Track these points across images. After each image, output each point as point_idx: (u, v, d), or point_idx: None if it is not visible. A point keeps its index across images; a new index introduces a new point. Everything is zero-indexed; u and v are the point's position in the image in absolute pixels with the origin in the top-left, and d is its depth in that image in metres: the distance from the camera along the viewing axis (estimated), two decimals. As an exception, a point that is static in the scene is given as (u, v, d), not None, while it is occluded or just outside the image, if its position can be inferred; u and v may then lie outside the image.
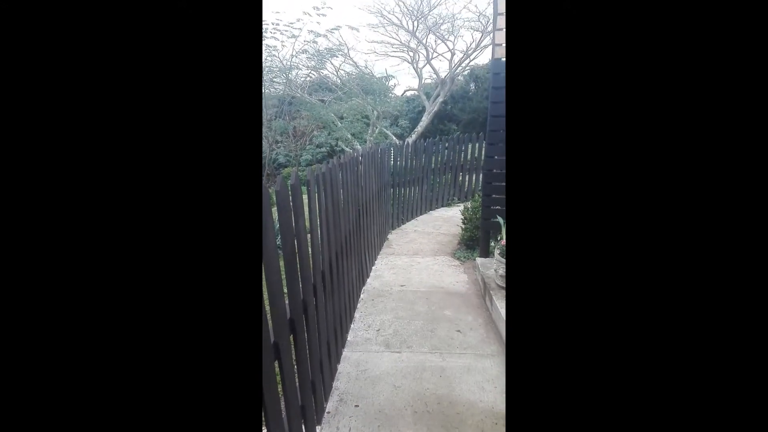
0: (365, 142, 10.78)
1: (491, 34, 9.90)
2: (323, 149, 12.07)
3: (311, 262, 1.60)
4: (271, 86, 5.73)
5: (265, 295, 1.17)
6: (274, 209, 1.26)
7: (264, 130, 5.39)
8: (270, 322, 1.20)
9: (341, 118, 9.54)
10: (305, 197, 1.60)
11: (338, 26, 6.18)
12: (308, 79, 8.55)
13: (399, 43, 10.66)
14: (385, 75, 10.69)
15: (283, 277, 1.29)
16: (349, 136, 10.18)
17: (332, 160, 2.05)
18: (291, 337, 1.37)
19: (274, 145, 5.41)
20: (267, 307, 1.20)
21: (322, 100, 9.66)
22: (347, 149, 11.08)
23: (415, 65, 10.92)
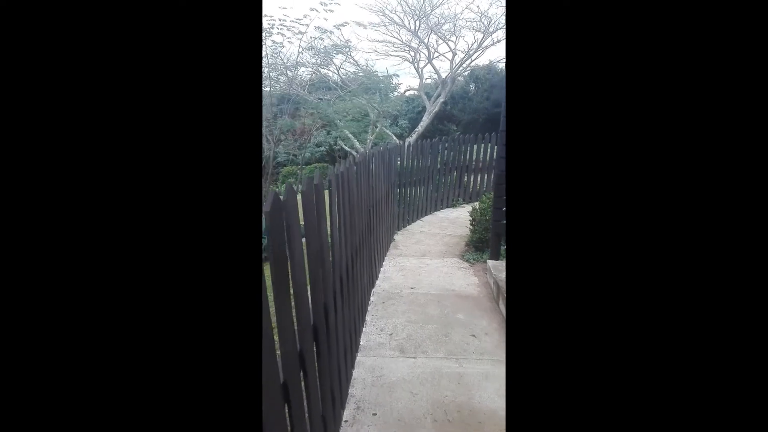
0: (365, 141, 10.72)
1: (492, 35, 9.88)
2: (322, 148, 11.98)
3: (332, 265, 1.54)
4: (276, 84, 5.64)
5: (287, 301, 1.10)
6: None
7: (265, 129, 5.29)
8: (296, 329, 1.13)
9: (344, 116, 9.46)
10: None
11: (345, 22, 6.07)
12: (313, 76, 8.46)
13: (400, 42, 10.61)
14: (387, 74, 10.61)
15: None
16: (350, 135, 10.12)
17: (348, 160, 1.99)
18: (314, 344, 1.31)
19: (272, 144, 5.32)
20: (293, 312, 1.14)
21: (321, 99, 9.58)
22: (347, 148, 11.01)
23: (416, 65, 10.87)
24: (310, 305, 1.29)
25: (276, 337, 0.97)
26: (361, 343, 2.23)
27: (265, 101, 5.61)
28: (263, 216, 0.94)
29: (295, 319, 1.12)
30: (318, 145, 11.00)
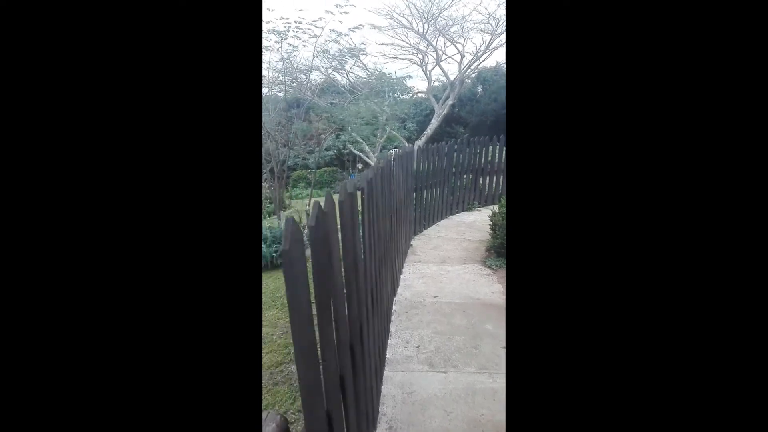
0: (374, 145, 10.65)
1: (500, 36, 9.78)
2: (331, 152, 11.93)
3: (365, 278, 1.45)
4: (289, 88, 5.58)
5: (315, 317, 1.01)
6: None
7: (280, 133, 5.24)
8: (336, 352, 1.04)
9: (358, 120, 9.39)
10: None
11: (361, 25, 5.96)
12: (324, 80, 8.40)
13: (408, 45, 10.55)
14: (400, 76, 10.52)
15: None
16: (359, 138, 10.06)
17: (375, 165, 1.90)
18: (351, 365, 1.21)
19: (279, 149, 5.23)
20: (334, 333, 1.04)
21: (332, 103, 9.53)
22: (356, 152, 10.95)
23: (424, 67, 10.80)
24: (348, 323, 1.19)
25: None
26: (388, 356, 2.13)
27: (279, 105, 5.55)
28: (309, 229, 0.85)
29: (335, 341, 1.02)
30: (327, 149, 10.95)
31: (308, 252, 0.88)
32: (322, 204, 0.94)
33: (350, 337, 1.21)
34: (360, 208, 1.49)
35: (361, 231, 1.47)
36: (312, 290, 0.86)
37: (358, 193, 1.42)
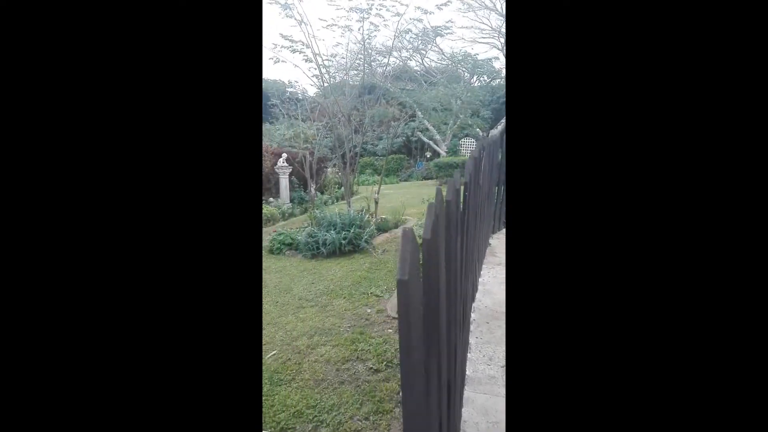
0: (445, 133, 10.24)
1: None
2: (399, 139, 11.75)
3: (459, 290, 1.21)
4: (362, 73, 5.45)
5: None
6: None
7: (356, 118, 5.16)
8: (438, 395, 0.82)
9: (437, 105, 9.04)
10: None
11: (449, 1, 5.43)
12: (400, 65, 8.15)
13: (490, 28, 9.87)
14: (484, 59, 9.92)
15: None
16: (429, 126, 9.74)
17: (471, 156, 1.64)
18: (447, 399, 0.99)
19: (352, 135, 5.10)
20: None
21: (404, 89, 9.28)
22: (425, 140, 10.63)
23: (505, 52, 10.04)
24: (446, 350, 0.97)
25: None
26: (468, 373, 1.89)
27: (354, 91, 5.45)
28: (423, 241, 0.63)
29: (438, 381, 0.81)
30: (396, 136, 10.77)
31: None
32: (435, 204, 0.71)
33: (447, 369, 0.99)
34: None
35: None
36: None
37: (469, 188, 1.19)
